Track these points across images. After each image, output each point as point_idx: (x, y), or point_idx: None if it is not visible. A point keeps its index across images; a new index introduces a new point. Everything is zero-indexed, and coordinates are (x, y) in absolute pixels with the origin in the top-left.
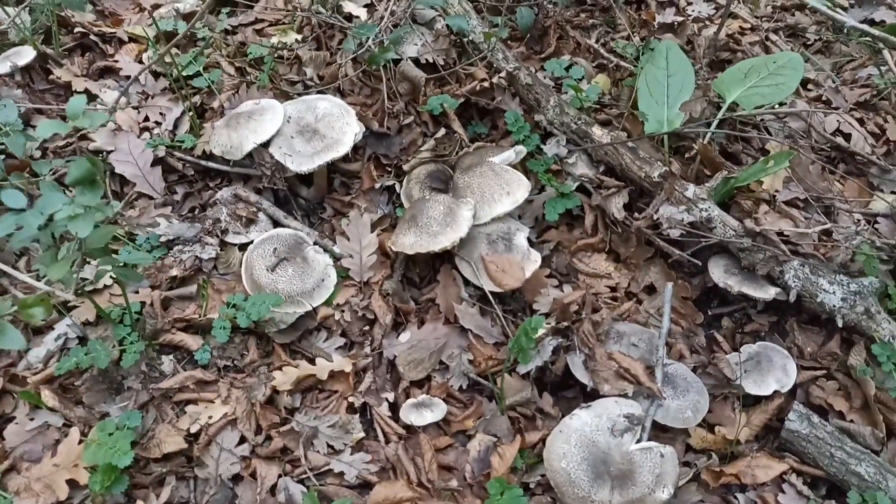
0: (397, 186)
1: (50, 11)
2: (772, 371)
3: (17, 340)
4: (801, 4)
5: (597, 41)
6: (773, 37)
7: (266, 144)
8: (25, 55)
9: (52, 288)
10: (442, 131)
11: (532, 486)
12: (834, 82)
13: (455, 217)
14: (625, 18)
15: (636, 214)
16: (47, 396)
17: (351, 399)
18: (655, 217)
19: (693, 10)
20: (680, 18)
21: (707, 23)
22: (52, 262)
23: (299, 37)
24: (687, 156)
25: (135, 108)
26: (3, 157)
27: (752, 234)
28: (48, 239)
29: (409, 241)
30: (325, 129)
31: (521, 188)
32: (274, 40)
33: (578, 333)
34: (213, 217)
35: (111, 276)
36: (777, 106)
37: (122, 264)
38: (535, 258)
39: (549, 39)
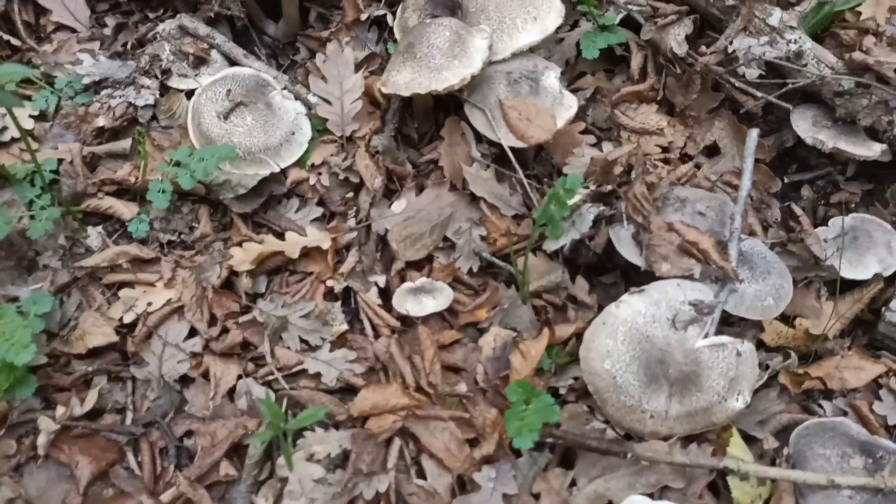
0: (390, 18)
1: None
2: (872, 249)
3: None
4: None
5: None
6: None
7: None
8: None
9: None
10: None
11: (563, 391)
12: None
13: (465, 47)
14: None
15: (703, 49)
16: None
17: (330, 283)
18: (730, 51)
19: None
20: None
21: None
22: None
23: None
24: None
25: None
26: None
27: (860, 68)
28: None
29: (403, 80)
30: None
31: (551, 13)
32: None
33: (627, 198)
34: (152, 54)
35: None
36: None
37: None
38: (570, 103)
39: None
